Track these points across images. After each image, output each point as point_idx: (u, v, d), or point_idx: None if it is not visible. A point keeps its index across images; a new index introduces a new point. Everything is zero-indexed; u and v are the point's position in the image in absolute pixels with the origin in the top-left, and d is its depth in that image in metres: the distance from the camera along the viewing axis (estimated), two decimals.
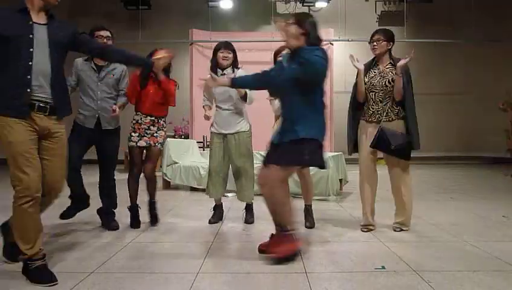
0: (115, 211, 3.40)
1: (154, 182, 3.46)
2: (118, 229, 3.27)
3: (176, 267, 2.40)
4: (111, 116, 3.20)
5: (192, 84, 7.69)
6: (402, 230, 3.15)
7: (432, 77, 9.24)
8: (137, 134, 3.35)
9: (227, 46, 3.46)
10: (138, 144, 3.35)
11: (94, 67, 3.22)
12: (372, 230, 3.19)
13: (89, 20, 8.59)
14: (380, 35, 3.14)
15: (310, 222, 3.37)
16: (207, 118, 3.48)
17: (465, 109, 9.79)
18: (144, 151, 3.43)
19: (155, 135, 3.38)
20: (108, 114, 3.20)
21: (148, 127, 3.36)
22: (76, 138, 3.14)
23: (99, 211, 3.39)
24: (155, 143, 3.38)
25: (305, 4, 9.41)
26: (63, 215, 3.20)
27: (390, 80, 3.07)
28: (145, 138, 3.35)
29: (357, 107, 3.28)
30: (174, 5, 9.77)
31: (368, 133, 3.16)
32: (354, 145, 3.29)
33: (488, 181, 6.60)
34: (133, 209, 3.41)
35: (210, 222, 3.56)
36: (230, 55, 3.43)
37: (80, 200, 3.24)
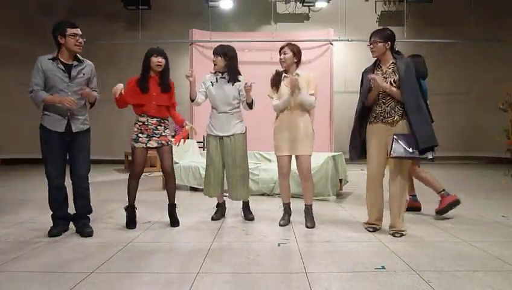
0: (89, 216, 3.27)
1: (173, 178, 3.50)
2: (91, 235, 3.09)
3: (176, 267, 2.40)
4: (81, 93, 3.03)
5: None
6: (402, 235, 3.06)
7: (431, 77, 9.17)
8: (145, 135, 3.34)
9: (215, 51, 3.51)
10: (148, 145, 3.34)
11: (62, 67, 3.00)
12: (377, 230, 3.19)
13: (89, 20, 8.59)
14: (376, 37, 3.10)
15: (310, 222, 3.37)
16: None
17: (465, 109, 9.78)
18: (149, 151, 3.42)
19: (163, 134, 3.40)
20: (79, 116, 3.08)
21: (156, 127, 3.37)
22: (50, 147, 3.02)
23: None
24: (167, 142, 3.40)
25: (305, 4, 9.41)
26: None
27: (392, 82, 3.04)
28: (154, 138, 3.35)
29: (363, 115, 3.22)
30: (174, 5, 9.76)
31: (374, 137, 3.13)
32: (360, 152, 3.23)
33: (488, 181, 6.60)
34: (130, 209, 3.41)
35: (213, 219, 3.64)
36: (219, 58, 3.45)
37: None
